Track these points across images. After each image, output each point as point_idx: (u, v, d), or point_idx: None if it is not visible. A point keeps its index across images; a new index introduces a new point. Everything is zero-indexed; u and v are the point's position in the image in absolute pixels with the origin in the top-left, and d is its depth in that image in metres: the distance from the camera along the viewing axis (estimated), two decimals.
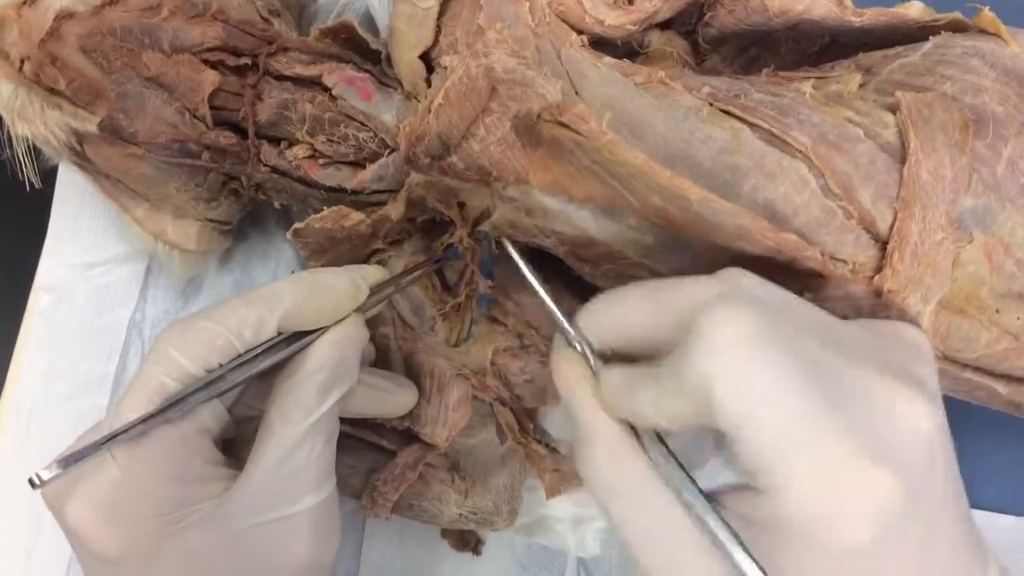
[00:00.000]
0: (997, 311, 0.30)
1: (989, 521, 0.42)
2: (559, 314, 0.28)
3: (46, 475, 0.26)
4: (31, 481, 0.26)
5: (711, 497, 0.24)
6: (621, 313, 0.26)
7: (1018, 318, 0.30)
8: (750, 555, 0.22)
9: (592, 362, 0.27)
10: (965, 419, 0.38)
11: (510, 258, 0.39)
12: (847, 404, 0.22)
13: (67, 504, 0.27)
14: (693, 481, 0.24)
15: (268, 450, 0.29)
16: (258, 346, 0.29)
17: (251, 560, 0.28)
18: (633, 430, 0.26)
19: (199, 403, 0.28)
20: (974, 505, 0.42)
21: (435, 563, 0.42)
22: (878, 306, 0.28)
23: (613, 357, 0.27)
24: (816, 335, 0.23)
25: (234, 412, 0.31)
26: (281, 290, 0.30)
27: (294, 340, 0.30)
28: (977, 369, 0.31)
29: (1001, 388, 0.31)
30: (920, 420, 0.23)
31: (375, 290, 0.33)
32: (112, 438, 0.27)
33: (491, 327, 0.41)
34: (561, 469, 0.40)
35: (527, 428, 0.40)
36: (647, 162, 0.26)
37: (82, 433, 0.29)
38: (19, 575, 0.41)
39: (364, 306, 0.32)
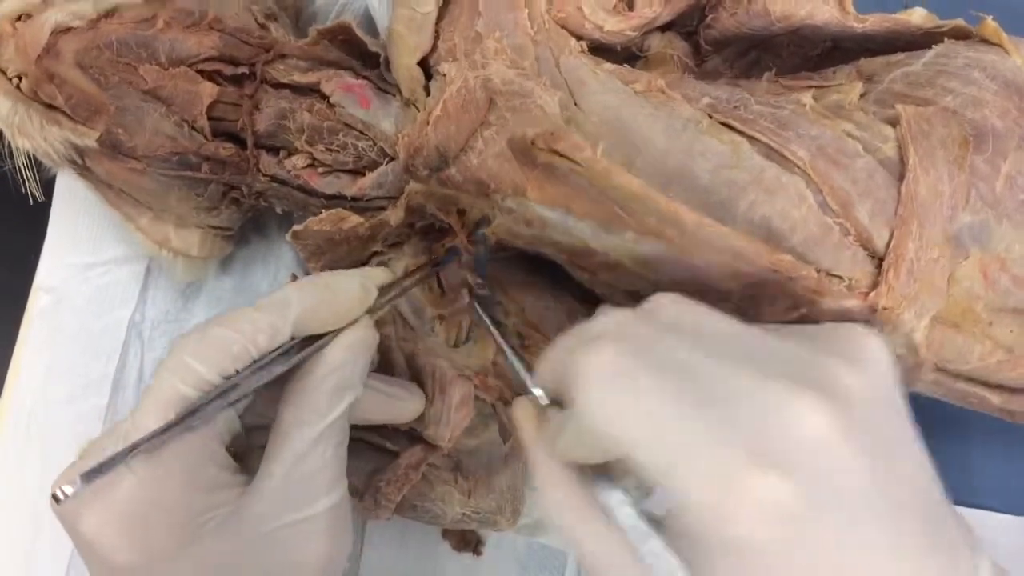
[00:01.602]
0: (991, 324, 0.30)
1: (989, 521, 0.43)
2: (517, 363, 0.32)
3: (69, 490, 0.26)
4: (55, 497, 0.26)
5: (651, 516, 0.25)
6: (556, 359, 0.28)
7: (1011, 331, 0.30)
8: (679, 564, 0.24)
9: (544, 407, 0.29)
10: (964, 420, 0.38)
11: (509, 260, 0.40)
12: (731, 415, 0.23)
13: (82, 516, 0.27)
14: (630, 504, 0.26)
15: (282, 454, 0.29)
16: (271, 352, 0.30)
17: (268, 564, 0.29)
18: None
19: (217, 411, 0.29)
20: (974, 505, 0.43)
21: (435, 563, 0.43)
22: (873, 322, 0.29)
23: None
24: (711, 351, 0.24)
25: (244, 421, 0.31)
26: (292, 295, 0.30)
27: (306, 344, 0.30)
28: (970, 380, 0.32)
29: (994, 398, 0.32)
30: (815, 424, 0.23)
31: (381, 292, 0.33)
32: (134, 449, 0.27)
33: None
34: None
35: None
36: (643, 188, 0.26)
37: (94, 440, 0.29)
38: (19, 575, 0.41)
39: (372, 308, 0.33)
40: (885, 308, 0.28)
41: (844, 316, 0.29)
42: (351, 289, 0.32)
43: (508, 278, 0.40)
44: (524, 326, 0.40)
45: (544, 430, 0.29)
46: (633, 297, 0.35)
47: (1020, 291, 0.30)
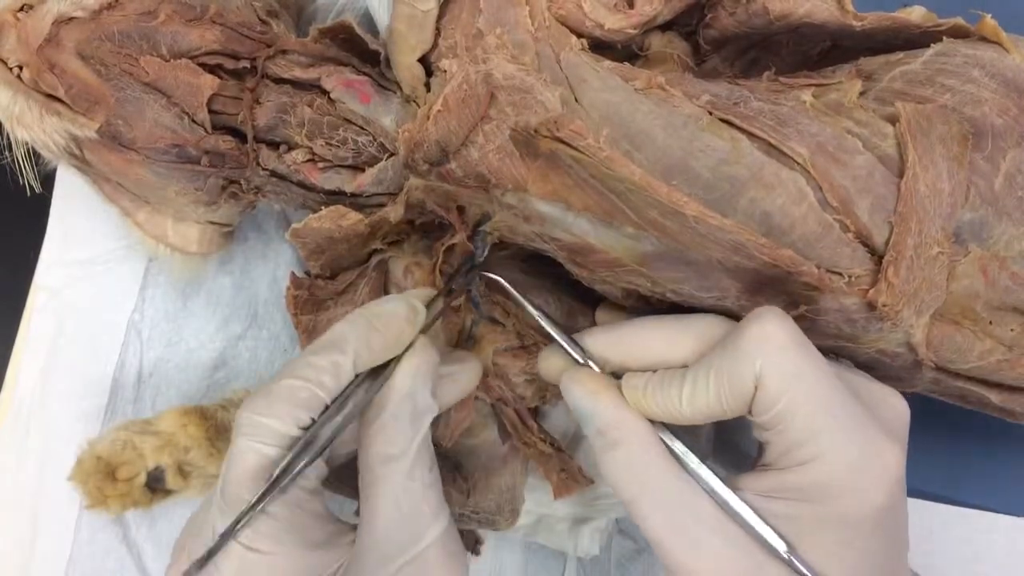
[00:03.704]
0: (991, 323, 0.30)
1: (989, 521, 0.43)
2: (569, 340, 0.33)
3: None
4: None
5: (727, 482, 0.28)
6: (641, 338, 0.31)
7: (1012, 330, 0.30)
8: (771, 527, 0.27)
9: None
10: (964, 420, 0.38)
11: (509, 258, 0.40)
12: (858, 396, 0.27)
13: None
14: (712, 469, 0.28)
15: (379, 495, 0.29)
16: (341, 392, 0.29)
17: None
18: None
19: (308, 465, 0.27)
20: (973, 505, 0.43)
21: None
22: (872, 319, 0.29)
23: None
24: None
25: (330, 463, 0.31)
26: (344, 331, 0.30)
27: (371, 377, 0.30)
28: (970, 379, 0.31)
29: (994, 397, 0.32)
30: (905, 408, 0.29)
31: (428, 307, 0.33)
32: (239, 523, 0.26)
33: (491, 327, 0.41)
34: (568, 469, 0.40)
35: (531, 428, 0.40)
36: (644, 177, 0.26)
37: (188, 526, 0.29)
38: (19, 575, 0.41)
39: (425, 327, 0.32)
40: (884, 305, 0.28)
41: (843, 314, 0.29)
42: (399, 311, 0.31)
43: (507, 277, 0.40)
44: (523, 326, 0.40)
45: (624, 392, 0.30)
46: (632, 296, 0.35)
47: (1020, 289, 0.30)
